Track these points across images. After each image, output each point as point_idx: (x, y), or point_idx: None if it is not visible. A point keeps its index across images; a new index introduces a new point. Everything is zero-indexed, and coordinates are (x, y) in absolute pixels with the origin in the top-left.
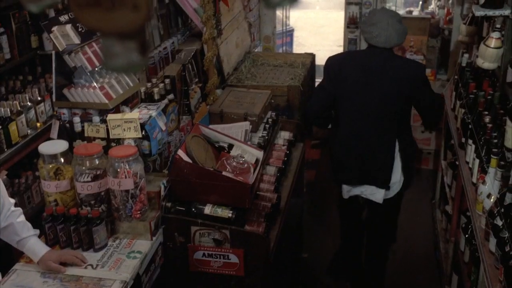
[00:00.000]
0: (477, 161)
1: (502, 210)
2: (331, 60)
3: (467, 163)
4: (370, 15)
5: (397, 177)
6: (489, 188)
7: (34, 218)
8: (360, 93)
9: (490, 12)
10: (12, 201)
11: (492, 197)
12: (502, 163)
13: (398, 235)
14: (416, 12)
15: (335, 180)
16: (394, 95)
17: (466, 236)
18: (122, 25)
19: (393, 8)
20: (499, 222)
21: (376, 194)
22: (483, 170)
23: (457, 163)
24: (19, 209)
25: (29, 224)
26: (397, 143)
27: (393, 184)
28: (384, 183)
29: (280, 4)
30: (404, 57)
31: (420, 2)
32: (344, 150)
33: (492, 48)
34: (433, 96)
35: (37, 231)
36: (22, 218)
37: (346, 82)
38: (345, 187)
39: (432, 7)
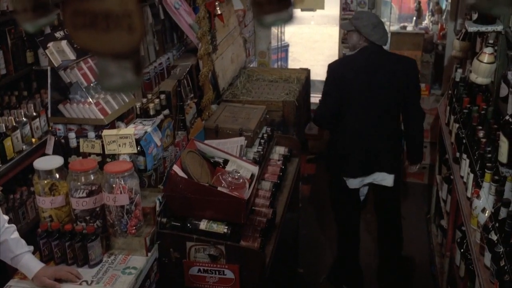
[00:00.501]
0: (471, 175)
1: (497, 224)
2: (333, 66)
3: (462, 177)
4: (367, 18)
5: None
6: (483, 202)
7: (29, 234)
8: (365, 91)
9: (483, 28)
10: (6, 218)
11: (487, 211)
12: (496, 177)
13: None
14: (410, 28)
15: (346, 174)
16: (393, 88)
17: (462, 250)
18: (117, 46)
19: (387, 23)
20: (493, 236)
21: (387, 179)
22: (478, 185)
23: (452, 177)
24: (13, 226)
25: (23, 241)
26: (398, 132)
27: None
28: (393, 169)
29: (273, 24)
30: (394, 52)
31: (414, 18)
32: (355, 144)
33: (485, 63)
34: (419, 103)
35: (31, 248)
36: (16, 234)
37: (350, 84)
38: (356, 180)
39: (426, 22)
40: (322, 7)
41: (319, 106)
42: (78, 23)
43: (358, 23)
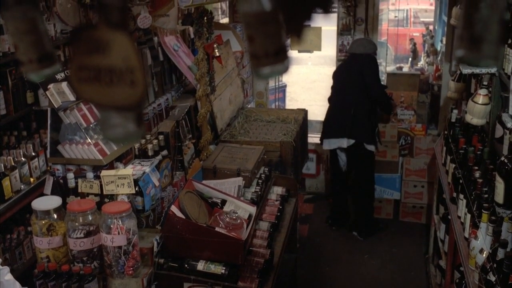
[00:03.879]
0: (468, 216)
1: (495, 265)
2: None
3: (459, 217)
4: (354, 40)
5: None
6: (481, 243)
7: (25, 274)
8: (338, 82)
9: (477, 70)
10: None
11: (485, 252)
12: (493, 218)
13: None
14: (406, 69)
15: (322, 137)
16: (355, 80)
17: None
18: (120, 100)
19: (383, 63)
20: (492, 277)
21: (344, 143)
22: (475, 225)
23: (449, 217)
24: (6, 268)
25: (17, 283)
26: (360, 111)
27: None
28: (351, 135)
29: (270, 76)
30: (359, 53)
31: (410, 59)
32: (331, 117)
33: (480, 104)
34: (377, 84)
35: None
36: (9, 276)
37: (334, 77)
38: (332, 140)
39: (421, 63)
40: (319, 49)
41: None
42: (83, 77)
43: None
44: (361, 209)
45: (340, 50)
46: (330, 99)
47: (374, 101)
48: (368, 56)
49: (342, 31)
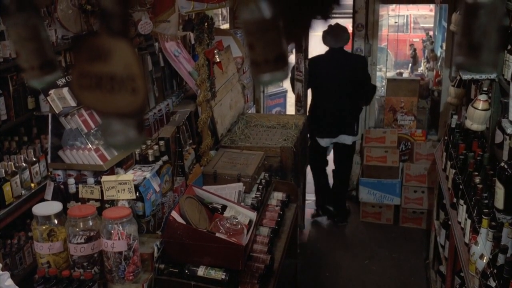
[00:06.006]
0: (469, 221)
1: (495, 271)
2: (309, 61)
3: (459, 223)
4: (326, 31)
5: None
6: (481, 248)
7: (26, 280)
8: (328, 79)
9: (477, 76)
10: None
11: (485, 258)
12: (493, 223)
13: None
14: (406, 74)
15: (318, 135)
16: (348, 78)
17: None
18: (121, 107)
19: (383, 69)
20: (492, 283)
21: (347, 140)
22: (475, 231)
23: (449, 223)
24: (7, 273)
25: None
26: (355, 107)
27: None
28: (352, 132)
29: (270, 83)
30: (350, 52)
31: (410, 65)
32: (324, 116)
33: (480, 110)
34: (369, 83)
35: None
36: (10, 281)
37: (319, 73)
38: (327, 139)
39: (421, 69)
40: None
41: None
42: (84, 84)
43: (323, 34)
44: (342, 197)
45: None
46: (317, 96)
47: (362, 95)
48: (361, 58)
49: None
